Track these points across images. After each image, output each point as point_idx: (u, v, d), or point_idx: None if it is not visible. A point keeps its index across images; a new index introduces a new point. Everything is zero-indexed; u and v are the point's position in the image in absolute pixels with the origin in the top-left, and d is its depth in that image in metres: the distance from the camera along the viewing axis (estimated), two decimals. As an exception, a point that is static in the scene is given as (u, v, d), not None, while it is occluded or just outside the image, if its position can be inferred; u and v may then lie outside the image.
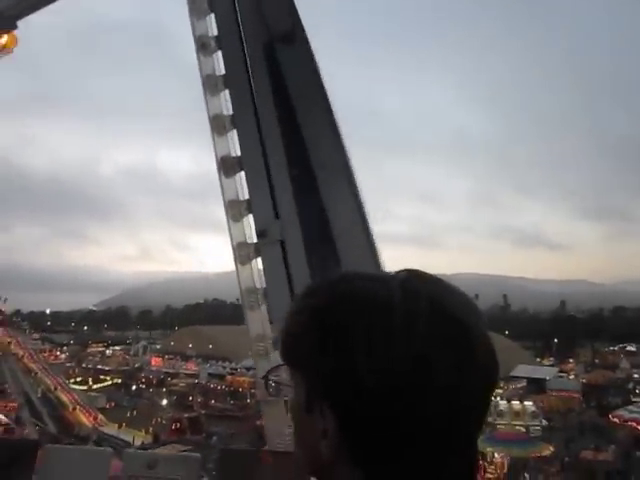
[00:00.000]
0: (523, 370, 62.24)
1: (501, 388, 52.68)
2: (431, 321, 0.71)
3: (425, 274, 0.79)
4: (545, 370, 64.81)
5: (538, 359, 75.28)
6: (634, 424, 40.50)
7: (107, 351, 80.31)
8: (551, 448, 34.90)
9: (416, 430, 0.70)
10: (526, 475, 30.88)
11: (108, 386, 58.27)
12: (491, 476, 30.75)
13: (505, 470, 31.42)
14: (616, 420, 42.38)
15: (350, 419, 0.72)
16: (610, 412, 43.98)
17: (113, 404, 49.23)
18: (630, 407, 43.34)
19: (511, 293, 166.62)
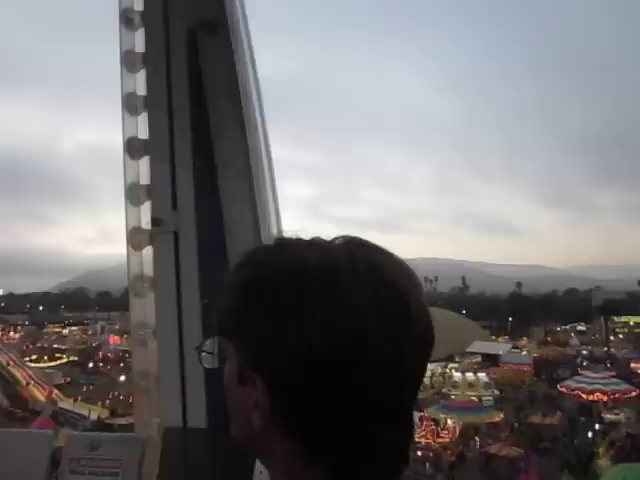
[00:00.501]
0: (479, 346, 64.15)
1: (457, 362, 54.23)
2: (369, 288, 0.69)
3: (365, 241, 0.77)
4: (499, 346, 66.84)
5: (494, 337, 77.39)
6: (580, 393, 42.32)
7: (64, 331, 78.82)
8: (501, 415, 36.32)
9: (350, 400, 0.68)
10: (476, 439, 32.00)
11: (64, 363, 57.33)
12: (443, 440, 31.75)
13: (457, 435, 32.48)
14: (564, 390, 44.19)
15: (282, 389, 0.70)
16: (559, 383, 45.89)
17: (69, 380, 48.53)
18: (577, 377, 45.24)
19: (470, 277, 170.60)
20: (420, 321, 0.73)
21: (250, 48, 2.88)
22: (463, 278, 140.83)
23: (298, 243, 0.75)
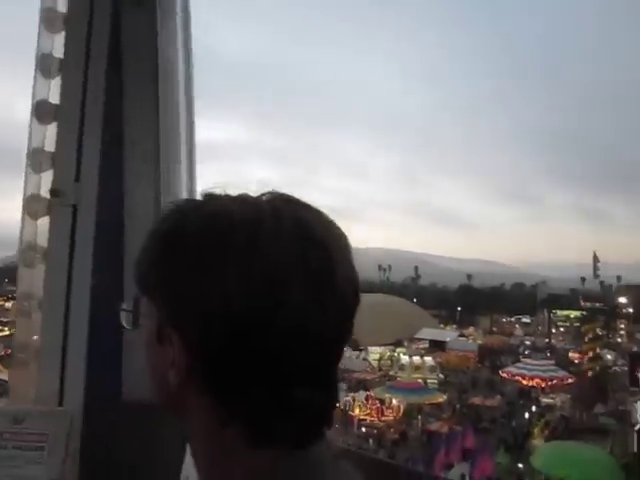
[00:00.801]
0: (427, 333, 65.63)
1: (405, 347, 55.38)
2: (293, 245, 0.67)
3: (294, 198, 0.74)
4: (447, 334, 68.50)
5: (442, 325, 79.33)
6: (520, 378, 44.01)
7: (7, 304, 76.15)
8: (444, 397, 37.37)
9: (267, 361, 0.67)
10: (419, 418, 32.82)
11: (6, 336, 55.38)
12: (387, 418, 32.46)
13: (401, 413, 33.21)
14: (505, 375, 45.87)
15: (198, 347, 0.69)
16: (501, 369, 47.55)
17: (9, 351, 46.97)
18: (518, 364, 46.97)
19: (423, 268, 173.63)
20: (346, 284, 0.71)
21: (185, 26, 2.74)
22: (416, 268, 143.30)
23: (224, 197, 0.73)
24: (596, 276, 39.03)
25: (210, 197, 0.74)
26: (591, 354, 38.86)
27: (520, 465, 26.35)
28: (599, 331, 40.45)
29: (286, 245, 0.66)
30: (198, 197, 0.76)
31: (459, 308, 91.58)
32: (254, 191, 0.74)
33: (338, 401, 0.77)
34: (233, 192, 0.74)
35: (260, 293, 0.64)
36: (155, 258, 0.73)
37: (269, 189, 0.74)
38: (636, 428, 32.41)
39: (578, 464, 24.31)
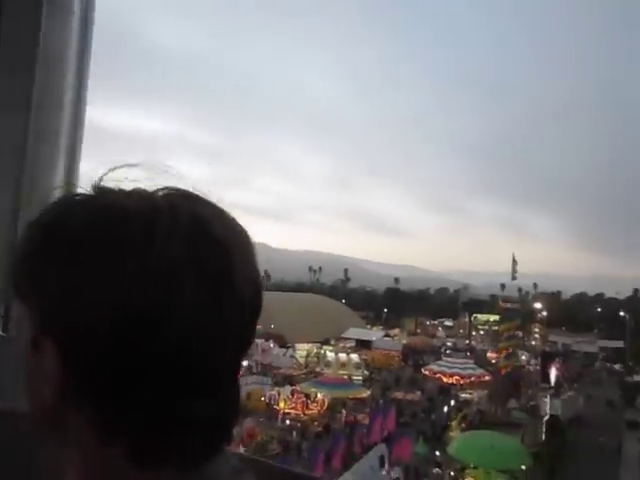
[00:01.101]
0: (354, 332, 66.83)
1: (332, 345, 55.98)
2: (188, 243, 0.60)
3: (192, 193, 0.66)
4: (373, 333, 69.91)
5: (369, 326, 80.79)
6: (441, 376, 45.60)
7: None
8: (368, 392, 38.06)
9: (153, 369, 0.58)
10: (343, 411, 33.26)
11: None
12: (312, 412, 32.66)
13: (325, 407, 33.49)
14: (427, 373, 47.39)
15: (76, 356, 0.59)
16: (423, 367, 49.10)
17: None
18: (439, 362, 48.65)
19: (353, 272, 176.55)
20: (246, 284, 0.63)
21: (86, 17, 2.57)
22: (345, 270, 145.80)
23: (117, 191, 0.64)
24: (514, 278, 41.11)
25: (102, 190, 0.65)
26: (506, 352, 40.82)
27: (437, 453, 27.45)
28: (515, 332, 42.51)
29: (181, 241, 0.58)
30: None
31: (385, 310, 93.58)
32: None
33: (239, 413, 0.68)
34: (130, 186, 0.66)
35: (152, 292, 0.56)
36: (29, 253, 0.62)
37: (193, 187, 0.67)
38: (544, 419, 34.56)
39: (490, 451, 25.56)
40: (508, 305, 42.53)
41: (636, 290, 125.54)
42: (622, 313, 63.11)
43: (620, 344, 63.67)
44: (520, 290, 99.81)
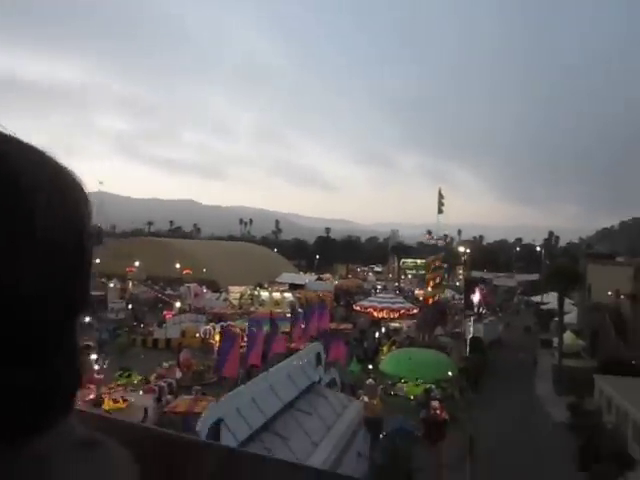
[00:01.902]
0: (287, 277, 67.47)
1: (266, 289, 56.27)
2: None
3: None
4: (305, 277, 70.77)
5: (302, 273, 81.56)
6: (371, 310, 47.11)
7: None
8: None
9: None
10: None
11: None
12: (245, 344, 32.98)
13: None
14: (358, 308, 48.81)
15: None
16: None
17: None
18: (370, 298, 50.27)
19: (285, 226, 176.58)
20: (55, 232, 0.54)
21: None
22: (277, 222, 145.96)
23: None
24: (440, 211, 42.64)
25: None
26: (434, 283, 42.64)
27: (370, 367, 28.75)
28: (440, 264, 44.34)
29: None
30: None
31: (317, 257, 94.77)
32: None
33: (74, 381, 0.59)
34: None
35: None
36: None
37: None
38: (467, 338, 36.84)
39: (420, 365, 27.07)
40: (433, 241, 44.13)
41: (551, 232, 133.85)
42: (538, 248, 67.17)
43: (536, 277, 68.10)
44: (446, 236, 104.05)
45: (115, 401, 21.82)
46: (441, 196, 43.12)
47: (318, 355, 16.40)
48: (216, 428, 9.87)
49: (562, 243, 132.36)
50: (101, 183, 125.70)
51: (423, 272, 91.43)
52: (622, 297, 34.11)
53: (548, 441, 22.46)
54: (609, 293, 36.22)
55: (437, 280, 43.03)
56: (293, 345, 26.38)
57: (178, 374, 26.44)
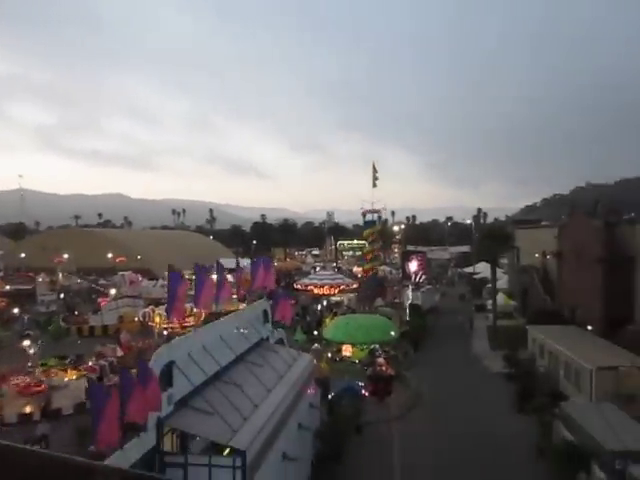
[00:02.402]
0: (224, 262, 66.36)
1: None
2: None
3: None
4: (243, 261, 70.15)
5: (240, 258, 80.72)
6: (312, 287, 47.39)
7: None
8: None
9: None
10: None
11: None
12: (189, 324, 32.46)
13: (202, 319, 33.43)
14: (299, 287, 48.98)
15: None
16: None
17: None
18: (310, 276, 50.58)
19: (219, 216, 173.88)
20: None
21: None
22: (211, 211, 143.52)
23: None
24: (374, 185, 43.43)
25: None
26: (372, 256, 43.46)
27: (315, 333, 29.06)
28: (376, 237, 45.11)
29: None
30: None
31: (254, 242, 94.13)
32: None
33: None
34: None
35: None
36: None
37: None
38: (407, 306, 37.91)
39: (363, 328, 27.54)
40: (368, 215, 44.70)
41: (479, 209, 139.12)
42: (469, 221, 69.74)
43: (467, 249, 70.82)
44: (380, 218, 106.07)
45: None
46: (375, 170, 43.70)
47: (265, 312, 16.37)
48: (169, 369, 9.69)
49: (490, 219, 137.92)
50: (21, 177, 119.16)
51: (360, 253, 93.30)
52: (548, 257, 36.02)
53: (487, 389, 23.55)
54: (536, 255, 38.14)
55: (375, 253, 43.76)
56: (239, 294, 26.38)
57: (119, 352, 25.71)
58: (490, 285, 49.91)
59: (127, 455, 8.43)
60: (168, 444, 10.31)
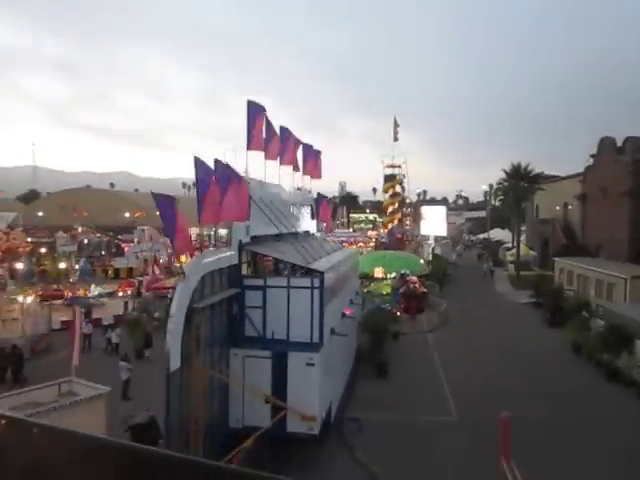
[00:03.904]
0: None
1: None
2: None
3: None
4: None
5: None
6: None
7: None
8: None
9: None
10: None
11: None
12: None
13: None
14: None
15: None
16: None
17: None
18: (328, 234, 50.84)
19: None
20: None
21: None
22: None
23: None
24: (396, 139, 43.60)
25: None
26: (392, 208, 43.89)
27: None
28: (396, 190, 45.33)
29: None
30: None
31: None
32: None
33: None
34: None
35: None
36: None
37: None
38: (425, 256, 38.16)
39: (393, 260, 27.98)
40: (389, 170, 44.84)
41: (491, 185, 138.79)
42: (484, 186, 69.95)
43: (483, 214, 71.14)
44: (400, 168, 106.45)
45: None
46: (396, 124, 43.87)
47: (312, 208, 16.67)
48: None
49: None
50: (34, 145, 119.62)
51: (371, 225, 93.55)
52: (570, 207, 36.15)
53: (516, 314, 23.86)
54: (557, 208, 38.23)
55: (395, 205, 44.02)
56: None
57: (156, 270, 26.25)
58: (505, 245, 50.28)
59: (214, 263, 8.90)
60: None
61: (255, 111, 11.31)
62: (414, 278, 22.77)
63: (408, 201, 72.73)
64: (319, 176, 17.13)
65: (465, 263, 47.20)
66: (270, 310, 9.53)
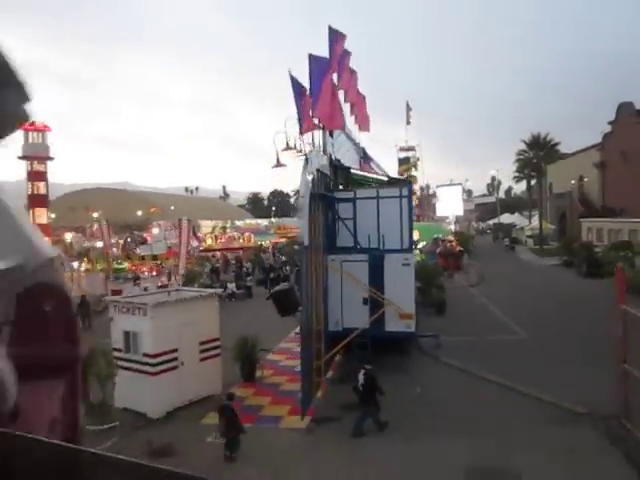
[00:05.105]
0: (249, 222, 67.57)
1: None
2: None
3: None
4: (264, 221, 71.08)
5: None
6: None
7: None
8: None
9: None
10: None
11: None
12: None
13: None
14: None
15: None
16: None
17: None
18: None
19: (232, 195, 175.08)
20: None
21: None
22: (224, 187, 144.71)
23: None
24: (409, 123, 44.09)
25: None
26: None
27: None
28: (410, 174, 45.73)
29: None
30: None
31: (274, 209, 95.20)
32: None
33: None
34: None
35: None
36: None
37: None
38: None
39: (423, 229, 28.46)
40: (402, 153, 45.20)
41: (493, 177, 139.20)
42: (492, 172, 70.88)
43: (492, 199, 71.88)
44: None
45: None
46: (409, 108, 44.34)
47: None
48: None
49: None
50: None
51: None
52: (586, 179, 36.56)
53: (548, 273, 24.26)
54: (572, 182, 38.63)
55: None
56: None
57: (195, 243, 26.70)
58: (518, 227, 50.68)
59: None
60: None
61: (334, 40, 11.62)
62: (450, 237, 23.22)
63: (424, 184, 73.31)
64: (367, 128, 17.53)
65: (481, 245, 47.68)
66: (361, 220, 10.03)
